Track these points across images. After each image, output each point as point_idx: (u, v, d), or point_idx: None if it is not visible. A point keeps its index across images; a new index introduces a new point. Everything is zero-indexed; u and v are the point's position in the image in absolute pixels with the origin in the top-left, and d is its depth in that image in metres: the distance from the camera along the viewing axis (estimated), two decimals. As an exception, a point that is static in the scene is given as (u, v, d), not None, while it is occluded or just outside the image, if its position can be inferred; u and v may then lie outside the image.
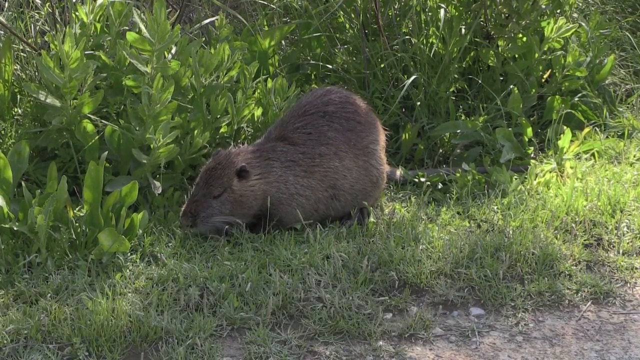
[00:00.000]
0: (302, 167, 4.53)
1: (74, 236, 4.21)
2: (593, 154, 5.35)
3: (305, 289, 4.04)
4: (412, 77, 5.41)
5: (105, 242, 4.11)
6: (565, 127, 5.34)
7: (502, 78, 5.71)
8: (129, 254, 4.21)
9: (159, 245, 4.32)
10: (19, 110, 4.99)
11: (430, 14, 5.61)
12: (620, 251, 4.47)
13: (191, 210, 4.38)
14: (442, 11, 5.51)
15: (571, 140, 5.27)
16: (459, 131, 5.36)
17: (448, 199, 4.90)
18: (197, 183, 4.44)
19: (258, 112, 5.07)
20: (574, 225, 4.59)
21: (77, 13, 4.86)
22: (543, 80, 5.75)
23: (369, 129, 4.75)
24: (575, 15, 6.11)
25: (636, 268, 4.37)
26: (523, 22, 5.55)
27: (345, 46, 5.75)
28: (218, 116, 4.84)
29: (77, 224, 4.23)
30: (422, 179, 5.07)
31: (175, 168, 4.79)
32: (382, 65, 5.58)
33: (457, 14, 5.61)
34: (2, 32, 5.22)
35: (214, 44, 5.05)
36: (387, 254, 4.25)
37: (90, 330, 3.69)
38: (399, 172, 5.10)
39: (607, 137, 5.56)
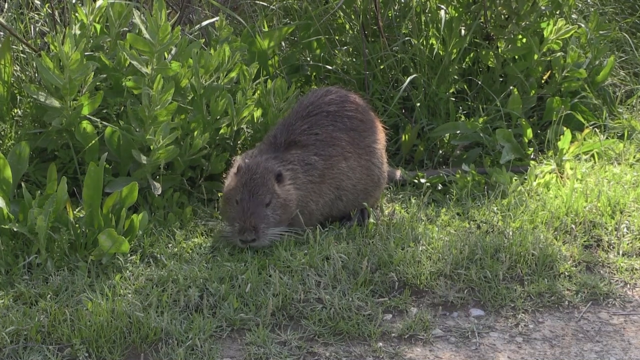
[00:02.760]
0: (319, 170, 4.52)
1: (73, 237, 4.21)
2: (593, 155, 5.35)
3: (305, 290, 4.04)
4: (411, 77, 5.41)
5: (105, 243, 4.11)
6: (565, 128, 5.34)
7: (501, 79, 5.71)
8: (128, 255, 4.21)
9: (158, 246, 4.32)
10: (19, 111, 4.99)
11: (430, 15, 5.61)
12: (620, 252, 4.47)
13: (252, 224, 4.28)
14: (442, 12, 5.52)
15: (571, 141, 5.27)
16: (458, 132, 5.36)
17: (448, 200, 4.90)
18: (240, 199, 4.31)
19: (258, 113, 5.07)
20: (573, 226, 4.59)
21: (76, 14, 4.85)
22: (543, 81, 5.75)
23: (370, 128, 4.77)
24: (574, 16, 6.11)
25: (636, 269, 4.37)
26: (523, 23, 5.55)
27: (345, 47, 5.75)
28: (218, 117, 4.84)
29: (77, 225, 4.23)
30: (422, 180, 5.07)
31: (175, 169, 4.79)
32: (382, 67, 5.58)
33: (456, 15, 5.60)
34: (1, 33, 5.21)
35: (213, 45, 5.05)
36: (387, 255, 4.25)
37: (90, 331, 3.69)
38: (399, 173, 5.10)
39: (606, 138, 5.55)
